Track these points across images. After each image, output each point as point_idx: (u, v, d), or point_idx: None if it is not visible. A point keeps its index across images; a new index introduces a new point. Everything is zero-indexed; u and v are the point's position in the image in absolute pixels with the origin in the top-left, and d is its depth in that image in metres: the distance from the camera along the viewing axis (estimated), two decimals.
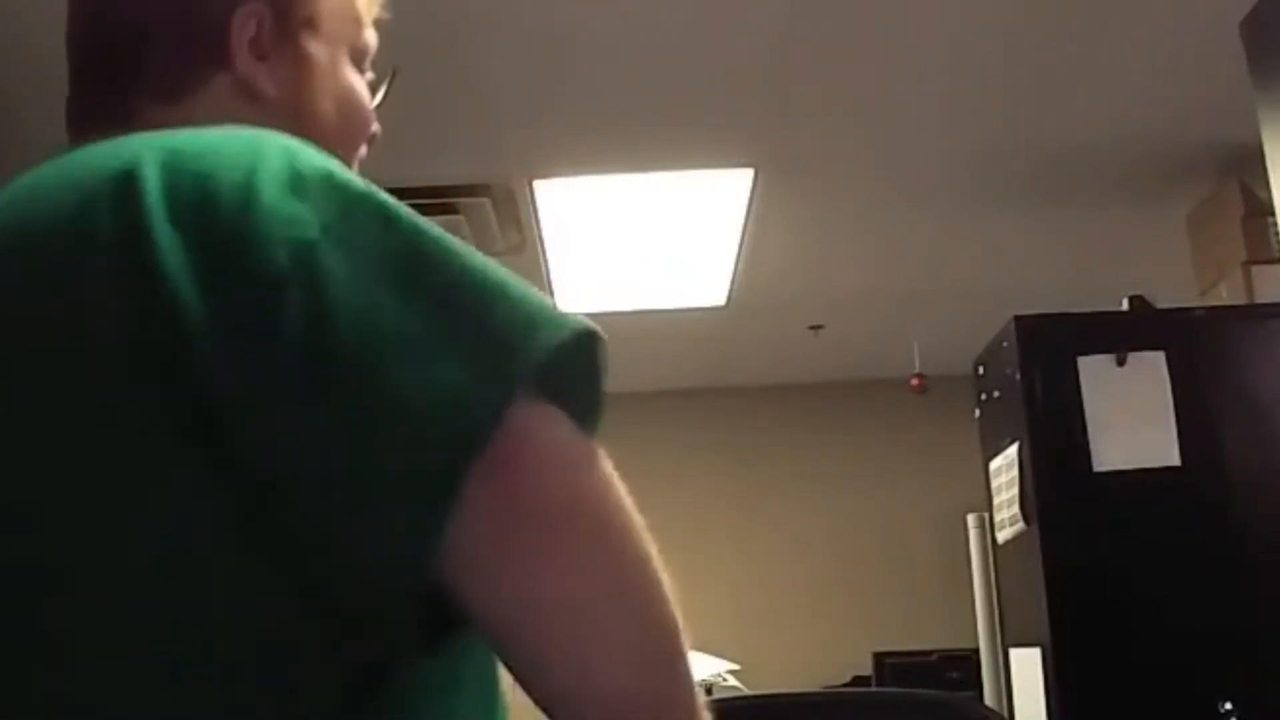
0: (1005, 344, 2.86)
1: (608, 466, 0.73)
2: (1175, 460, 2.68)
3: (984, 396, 3.05)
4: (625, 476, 0.69)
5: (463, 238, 2.99)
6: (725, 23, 2.83)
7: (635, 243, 4.20)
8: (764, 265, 4.37)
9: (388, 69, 1.05)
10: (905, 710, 1.42)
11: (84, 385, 0.67)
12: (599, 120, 3.29)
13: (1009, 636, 3.01)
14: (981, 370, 3.07)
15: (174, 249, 0.66)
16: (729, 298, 4.70)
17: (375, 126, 1.00)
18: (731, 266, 4.38)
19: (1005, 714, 2.90)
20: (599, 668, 0.66)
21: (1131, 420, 2.70)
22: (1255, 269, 3.28)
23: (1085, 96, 3.23)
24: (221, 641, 0.65)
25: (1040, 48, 2.99)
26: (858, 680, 5.23)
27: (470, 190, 3.65)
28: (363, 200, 0.72)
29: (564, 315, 0.75)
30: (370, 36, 0.99)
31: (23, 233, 0.74)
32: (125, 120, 0.86)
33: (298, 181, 0.70)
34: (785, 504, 6.08)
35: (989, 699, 3.13)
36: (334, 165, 0.74)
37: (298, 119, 0.89)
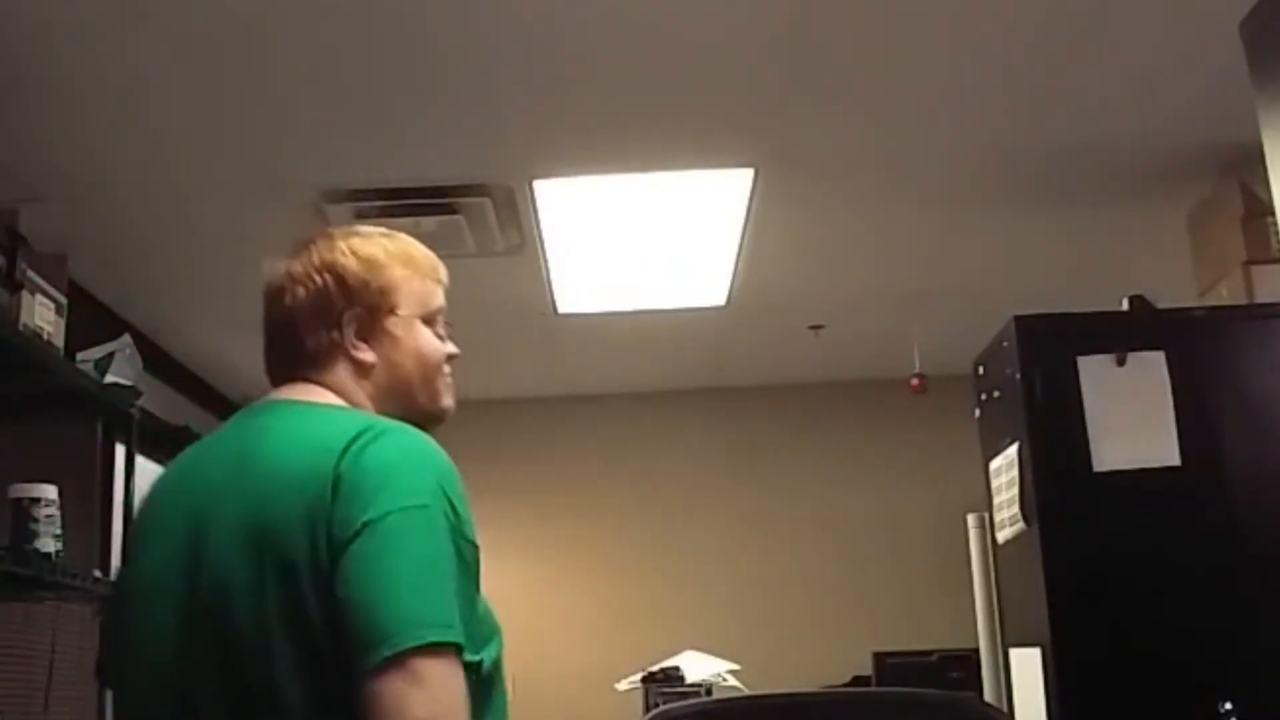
0: (1005, 344, 2.86)
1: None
2: (1175, 460, 2.68)
3: (984, 396, 3.05)
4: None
5: (463, 238, 3.07)
6: (725, 23, 2.83)
7: (635, 243, 4.20)
8: (764, 265, 4.37)
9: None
10: (908, 710, 1.42)
11: None
12: (599, 120, 3.29)
13: (1009, 636, 3.00)
14: (981, 370, 3.07)
15: None
16: (729, 298, 4.70)
17: (450, 350, 1.61)
18: (731, 266, 4.38)
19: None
20: None
21: (1131, 420, 2.70)
22: (1255, 269, 3.28)
23: (1085, 96, 3.23)
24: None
25: (1040, 47, 2.99)
26: (858, 680, 5.23)
27: (470, 190, 3.65)
28: None
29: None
30: (438, 299, 1.61)
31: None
32: (304, 378, 1.53)
33: None
34: (785, 504, 6.09)
35: (989, 699, 3.13)
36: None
37: (390, 374, 1.55)
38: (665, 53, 2.96)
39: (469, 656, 1.29)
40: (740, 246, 4.18)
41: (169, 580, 1.39)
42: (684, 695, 4.42)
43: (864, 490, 6.06)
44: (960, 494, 3.62)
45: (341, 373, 1.54)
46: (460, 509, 1.36)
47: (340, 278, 1.54)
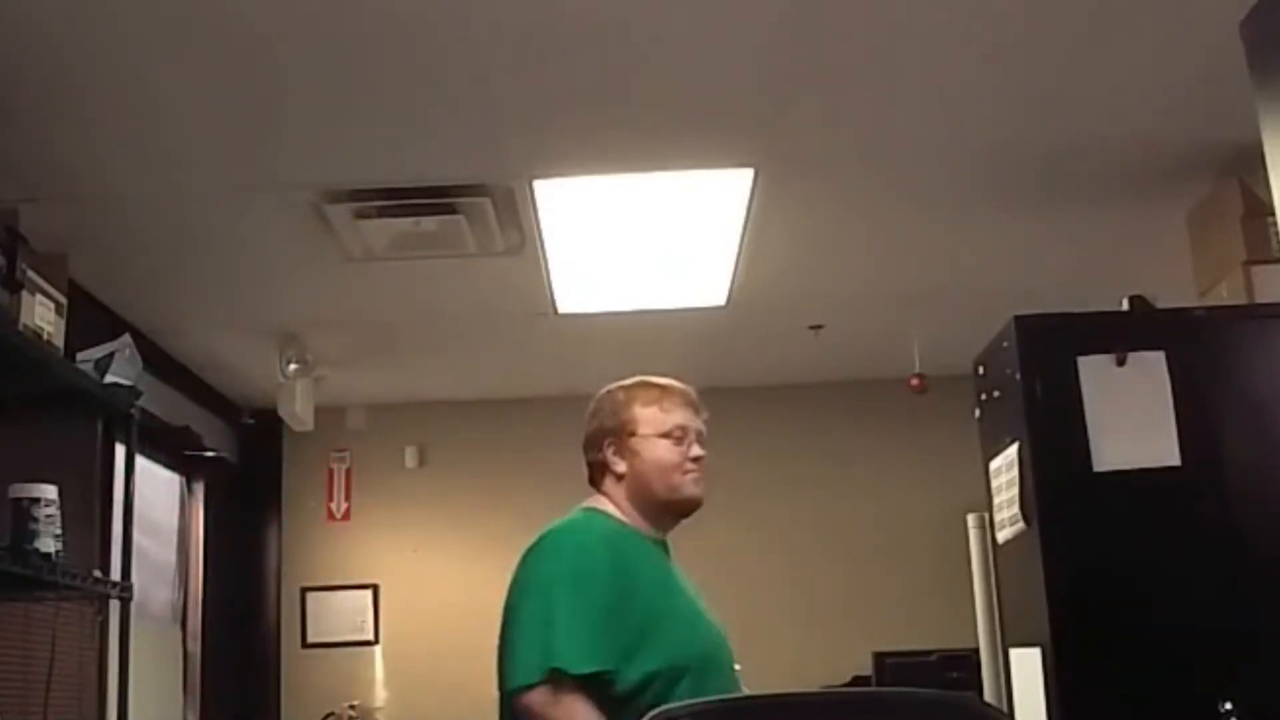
0: (1005, 344, 2.86)
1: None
2: (1175, 460, 2.68)
3: (984, 396, 3.05)
4: None
5: (463, 238, 3.11)
6: (725, 22, 2.83)
7: (635, 243, 4.20)
8: (764, 265, 4.37)
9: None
10: (908, 710, 1.42)
11: None
12: (599, 120, 3.29)
13: (1009, 636, 3.00)
14: (981, 370, 3.07)
15: None
16: (729, 298, 4.70)
17: (693, 453, 2.33)
18: (731, 266, 4.38)
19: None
20: None
21: (1131, 420, 2.70)
22: (1255, 269, 3.27)
23: (1085, 96, 3.23)
24: None
25: (1040, 48, 2.99)
26: (858, 680, 5.23)
27: (470, 190, 3.65)
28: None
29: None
30: (671, 420, 2.34)
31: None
32: (593, 488, 2.39)
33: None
34: (785, 504, 6.08)
35: (989, 699, 3.13)
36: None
37: (635, 478, 2.33)
38: (665, 53, 2.96)
39: (584, 669, 2.06)
40: (740, 246, 4.18)
41: None
42: None
43: (864, 490, 6.06)
44: (960, 494, 3.61)
45: (608, 481, 2.35)
46: (587, 583, 2.12)
47: (600, 420, 2.38)
